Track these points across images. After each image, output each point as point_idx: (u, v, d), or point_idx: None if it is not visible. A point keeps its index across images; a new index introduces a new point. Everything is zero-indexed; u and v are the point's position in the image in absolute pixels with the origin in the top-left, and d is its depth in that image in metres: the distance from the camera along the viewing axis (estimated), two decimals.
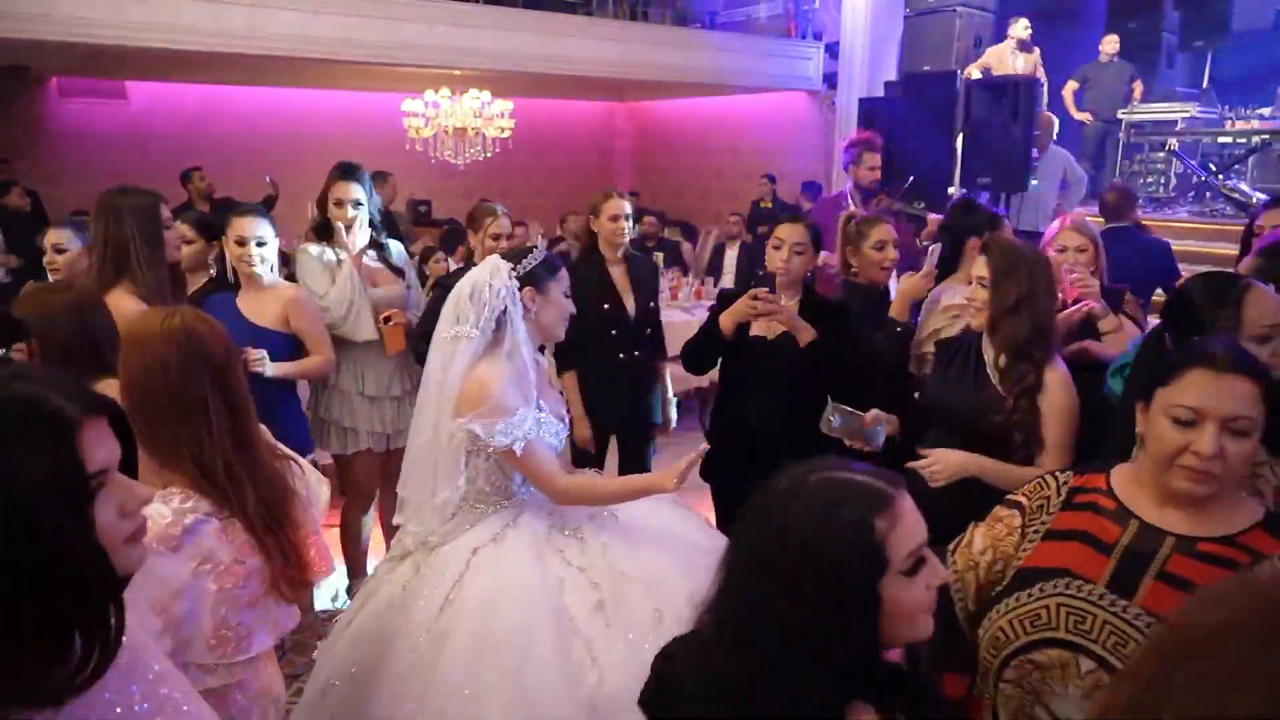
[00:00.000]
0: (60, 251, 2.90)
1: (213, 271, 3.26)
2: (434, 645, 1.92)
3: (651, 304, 3.39)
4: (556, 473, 2.14)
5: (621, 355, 3.30)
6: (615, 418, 3.39)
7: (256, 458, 1.56)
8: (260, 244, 2.89)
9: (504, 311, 2.10)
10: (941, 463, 2.13)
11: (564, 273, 2.25)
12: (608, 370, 3.31)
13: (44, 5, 6.24)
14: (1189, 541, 1.36)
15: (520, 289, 2.13)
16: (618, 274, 3.33)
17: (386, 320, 3.16)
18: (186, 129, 9.85)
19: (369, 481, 3.33)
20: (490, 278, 2.12)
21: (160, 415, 1.48)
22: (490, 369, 2.07)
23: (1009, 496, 1.56)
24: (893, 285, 3.13)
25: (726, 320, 2.78)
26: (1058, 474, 1.54)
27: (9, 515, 0.79)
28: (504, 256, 2.18)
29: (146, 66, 8.46)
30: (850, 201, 4.75)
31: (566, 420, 2.31)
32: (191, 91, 9.99)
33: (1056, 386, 2.17)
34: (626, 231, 3.31)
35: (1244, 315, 1.82)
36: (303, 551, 1.61)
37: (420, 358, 3.18)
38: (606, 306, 3.28)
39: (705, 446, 2.14)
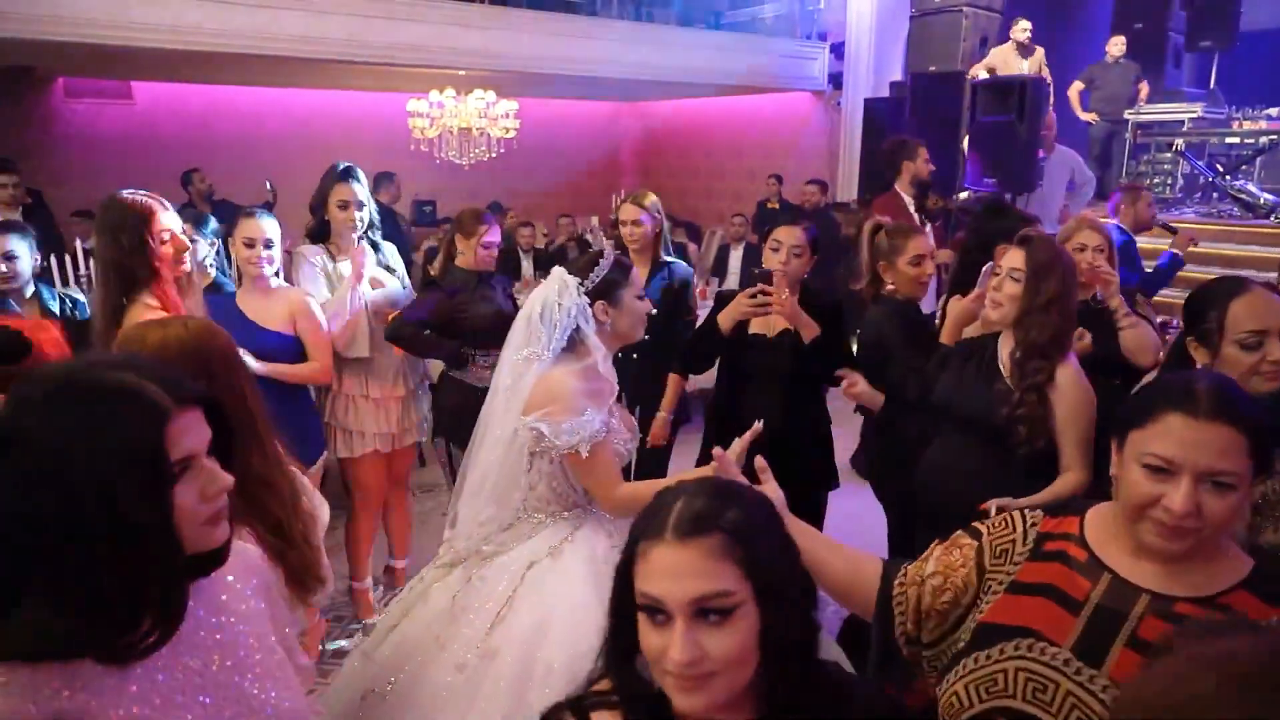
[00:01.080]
0: (10, 259, 2.82)
1: (212, 271, 3.27)
2: (481, 663, 1.86)
3: (653, 310, 3.34)
4: (616, 482, 2.06)
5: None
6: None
7: (277, 466, 1.56)
8: (269, 245, 2.89)
9: (576, 329, 2.06)
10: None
11: (635, 273, 2.20)
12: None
13: (50, 6, 6.25)
14: (1165, 601, 1.21)
15: (591, 304, 2.08)
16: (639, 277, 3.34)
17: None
18: (192, 129, 9.86)
19: (374, 483, 3.32)
20: (559, 297, 2.06)
21: None
22: (562, 372, 2.04)
23: (972, 524, 1.43)
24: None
25: (725, 319, 2.76)
26: (1026, 513, 1.38)
27: (92, 492, 0.87)
28: (571, 271, 2.11)
29: (152, 67, 8.47)
30: (905, 199, 4.70)
31: (637, 433, 2.24)
32: (197, 92, 10.00)
33: (1068, 383, 2.16)
34: (637, 236, 3.35)
35: (1227, 319, 1.78)
36: (316, 559, 1.61)
37: (397, 339, 3.15)
38: None
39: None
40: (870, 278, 2.93)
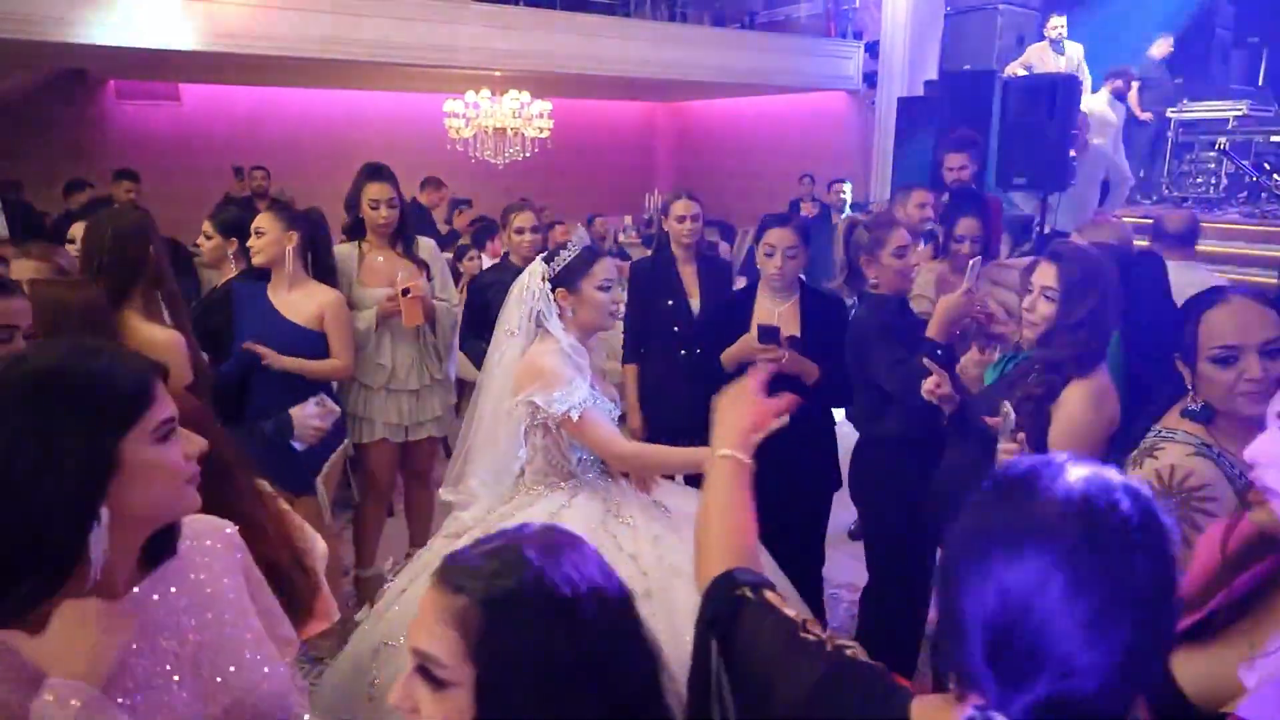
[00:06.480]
0: None
1: (234, 268, 3.29)
2: None
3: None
4: (616, 438, 2.17)
5: (683, 352, 3.26)
6: (678, 416, 3.23)
7: (248, 499, 1.41)
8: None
9: (540, 313, 2.18)
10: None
11: (601, 264, 2.21)
12: (671, 367, 3.29)
13: (101, 11, 6.48)
14: None
15: (553, 290, 2.18)
16: (687, 273, 3.34)
17: (405, 292, 3.09)
18: (237, 130, 10.13)
19: (384, 473, 3.36)
20: (529, 280, 2.21)
21: None
22: (540, 349, 2.17)
23: None
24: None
25: (729, 359, 2.81)
26: None
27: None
28: (544, 258, 2.23)
29: (199, 69, 8.72)
30: None
31: (619, 403, 2.34)
32: (243, 93, 10.26)
33: (1076, 402, 1.99)
34: (695, 231, 3.34)
35: (1200, 332, 1.63)
36: (310, 590, 1.45)
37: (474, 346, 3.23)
38: (670, 303, 3.29)
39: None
40: (846, 275, 2.87)
